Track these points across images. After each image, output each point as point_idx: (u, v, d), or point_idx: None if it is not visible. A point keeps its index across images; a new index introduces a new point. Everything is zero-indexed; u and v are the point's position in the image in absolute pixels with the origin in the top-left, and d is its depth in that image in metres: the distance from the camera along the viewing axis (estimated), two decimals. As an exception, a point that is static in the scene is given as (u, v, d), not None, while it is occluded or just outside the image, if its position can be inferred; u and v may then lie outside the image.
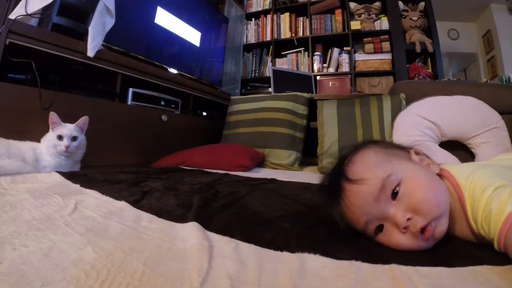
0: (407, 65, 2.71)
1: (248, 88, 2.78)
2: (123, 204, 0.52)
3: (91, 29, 1.25)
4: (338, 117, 1.65)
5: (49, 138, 0.96)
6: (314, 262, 0.32)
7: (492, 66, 4.64)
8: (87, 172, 0.91)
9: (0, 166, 0.77)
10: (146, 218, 0.46)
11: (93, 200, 0.55)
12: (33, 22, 1.25)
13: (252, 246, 0.37)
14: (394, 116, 1.60)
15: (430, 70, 2.74)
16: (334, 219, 0.43)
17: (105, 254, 0.31)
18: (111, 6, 1.34)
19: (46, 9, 1.25)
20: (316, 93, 2.40)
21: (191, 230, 0.38)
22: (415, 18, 2.81)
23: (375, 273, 0.30)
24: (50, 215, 0.44)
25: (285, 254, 0.35)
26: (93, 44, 1.26)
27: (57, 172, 0.83)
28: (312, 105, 1.83)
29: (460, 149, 1.60)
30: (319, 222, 0.48)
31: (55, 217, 0.43)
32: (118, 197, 0.57)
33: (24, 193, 0.56)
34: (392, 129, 1.56)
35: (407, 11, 2.85)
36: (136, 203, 0.54)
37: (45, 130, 0.98)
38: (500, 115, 1.59)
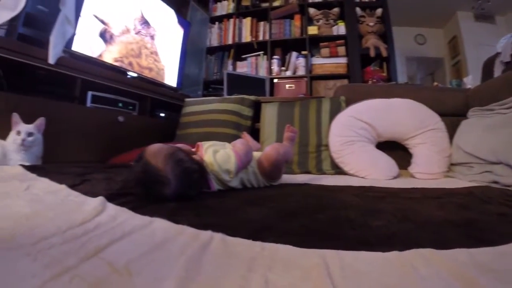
0: (362, 69, 2.81)
1: (210, 90, 2.91)
2: (62, 186, 0.75)
3: (52, 38, 1.40)
4: (277, 118, 1.82)
5: (11, 135, 1.15)
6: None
7: (457, 70, 4.73)
8: (46, 166, 1.12)
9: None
10: (75, 195, 0.68)
11: (42, 184, 0.77)
12: (0, 32, 1.42)
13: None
14: (332, 117, 1.70)
15: (384, 74, 2.83)
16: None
17: (36, 210, 0.54)
18: (71, 16, 1.51)
19: (12, 20, 1.42)
20: (271, 95, 2.55)
21: (95, 201, 0.60)
22: (371, 24, 2.92)
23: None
24: (8, 192, 0.66)
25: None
26: (54, 51, 1.42)
27: (20, 165, 1.03)
28: (259, 107, 1.98)
29: (399, 149, 1.66)
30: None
31: (11, 192, 0.66)
32: (61, 182, 0.79)
33: (-9, 179, 0.78)
34: (329, 130, 1.66)
35: (364, 16, 2.96)
36: (72, 187, 0.76)
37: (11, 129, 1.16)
38: (441, 117, 1.62)
